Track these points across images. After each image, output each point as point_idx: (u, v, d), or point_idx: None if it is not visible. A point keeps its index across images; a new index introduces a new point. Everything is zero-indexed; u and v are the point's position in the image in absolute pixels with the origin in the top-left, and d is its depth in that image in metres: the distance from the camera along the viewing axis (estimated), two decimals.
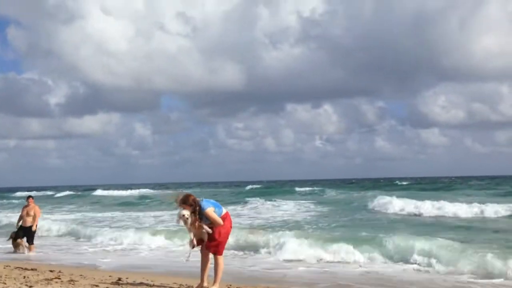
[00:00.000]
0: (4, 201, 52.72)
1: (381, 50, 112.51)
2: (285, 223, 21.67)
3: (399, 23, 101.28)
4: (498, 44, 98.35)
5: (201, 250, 7.87)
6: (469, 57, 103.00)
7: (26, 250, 14.97)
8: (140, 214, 29.75)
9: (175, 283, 8.75)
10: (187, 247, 7.94)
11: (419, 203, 26.24)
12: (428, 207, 25.24)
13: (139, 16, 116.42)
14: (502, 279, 9.68)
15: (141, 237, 16.40)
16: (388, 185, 66.71)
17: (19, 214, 15.93)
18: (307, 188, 56.93)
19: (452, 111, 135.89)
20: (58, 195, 65.99)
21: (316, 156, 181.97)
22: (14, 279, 8.96)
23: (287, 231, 15.87)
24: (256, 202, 36.39)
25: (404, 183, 72.31)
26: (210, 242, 7.70)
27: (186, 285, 8.55)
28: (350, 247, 12.55)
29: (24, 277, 9.21)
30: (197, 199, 7.65)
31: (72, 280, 8.88)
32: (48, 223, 20.65)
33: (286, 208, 31.56)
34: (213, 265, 7.88)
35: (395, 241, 12.49)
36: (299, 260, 12.37)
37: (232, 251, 13.50)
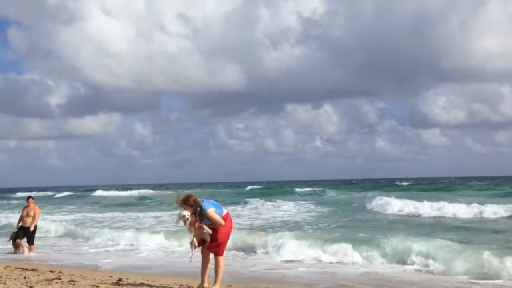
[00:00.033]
0: (4, 201, 52.73)
1: (381, 50, 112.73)
2: (285, 224, 21.69)
3: (399, 24, 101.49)
4: (498, 45, 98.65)
5: (202, 251, 7.89)
6: (469, 57, 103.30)
7: (26, 251, 14.98)
8: (140, 214, 29.78)
9: (175, 283, 8.76)
10: (189, 247, 7.94)
11: (418, 203, 26.28)
12: (427, 208, 25.28)
13: (140, 17, 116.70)
14: (502, 280, 9.69)
15: (141, 238, 16.40)
16: (388, 185, 66.72)
17: (19, 214, 15.96)
18: (307, 189, 56.94)
19: (452, 112, 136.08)
20: (58, 195, 66.00)
21: (316, 157, 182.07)
22: (15, 279, 8.98)
23: (287, 232, 15.89)
24: (256, 203, 36.42)
25: (404, 183, 72.31)
26: (211, 243, 7.72)
27: (186, 285, 8.57)
28: (349, 248, 12.56)
29: (25, 277, 9.23)
30: (198, 199, 7.67)
31: (72, 281, 8.90)
32: (47, 224, 20.66)
33: (286, 208, 31.58)
34: (213, 266, 7.90)
35: (394, 242, 12.50)
36: (299, 261, 12.39)
37: (232, 252, 13.51)
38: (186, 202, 7.58)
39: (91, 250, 15.49)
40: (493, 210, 23.40)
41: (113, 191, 69.97)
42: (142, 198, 51.00)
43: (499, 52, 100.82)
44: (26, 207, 15.52)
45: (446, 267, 10.64)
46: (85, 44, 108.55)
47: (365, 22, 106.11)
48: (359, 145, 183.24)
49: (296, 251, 12.96)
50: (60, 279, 9.11)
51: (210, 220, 7.61)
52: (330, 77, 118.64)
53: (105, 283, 8.74)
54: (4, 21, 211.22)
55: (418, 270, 10.95)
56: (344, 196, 42.28)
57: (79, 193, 69.51)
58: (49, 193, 73.57)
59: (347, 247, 12.59)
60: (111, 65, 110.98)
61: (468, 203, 25.34)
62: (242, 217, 25.69)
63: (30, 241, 15.12)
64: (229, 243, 8.11)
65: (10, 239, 15.44)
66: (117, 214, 30.45)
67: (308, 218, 24.69)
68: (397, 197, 30.45)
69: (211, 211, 7.61)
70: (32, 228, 15.13)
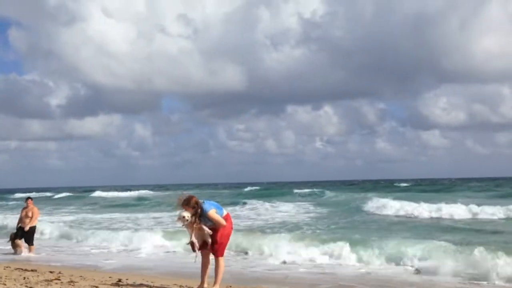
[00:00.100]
0: (3, 202, 52.73)
1: (381, 51, 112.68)
2: (284, 225, 21.72)
3: (399, 25, 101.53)
4: (499, 45, 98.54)
5: (202, 251, 7.91)
6: (469, 58, 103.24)
7: (25, 251, 14.97)
8: (140, 215, 29.77)
9: (175, 284, 8.77)
10: (189, 248, 7.96)
11: (416, 205, 26.32)
12: (425, 209, 25.31)
13: (140, 18, 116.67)
14: (501, 281, 9.71)
15: (141, 238, 16.40)
16: (388, 186, 66.75)
17: (18, 215, 15.95)
18: (306, 190, 56.98)
19: (452, 113, 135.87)
20: (57, 196, 65.96)
21: (316, 158, 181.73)
22: (14, 280, 8.98)
23: (286, 233, 15.92)
24: (255, 204, 36.45)
25: (404, 184, 72.37)
26: (211, 244, 7.75)
27: (186, 286, 8.57)
28: (348, 249, 12.58)
29: (24, 278, 9.22)
30: (200, 201, 7.70)
31: (72, 281, 8.89)
32: (43, 225, 20.58)
33: (285, 209, 31.61)
34: (213, 266, 7.92)
35: (391, 243, 12.53)
36: (298, 262, 12.39)
37: (232, 253, 13.52)
38: (188, 203, 7.60)
39: (91, 251, 15.49)
40: (491, 211, 23.43)
41: (112, 192, 69.98)
42: (141, 199, 51.01)
43: (500, 53, 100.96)
44: (25, 208, 15.51)
45: (444, 269, 10.65)
46: (85, 44, 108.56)
47: (365, 23, 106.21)
48: (359, 146, 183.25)
49: (295, 252, 12.99)
50: (59, 279, 9.11)
51: (211, 221, 7.63)
52: (331, 78, 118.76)
53: (104, 284, 8.75)
54: (4, 22, 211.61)
55: (418, 272, 10.95)
56: (343, 197, 42.31)
57: (78, 194, 69.50)
58: (48, 194, 73.57)
59: (345, 248, 12.61)
60: (112, 66, 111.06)
61: (467, 204, 25.35)
62: (241, 218, 25.70)
63: (30, 242, 15.11)
64: (229, 244, 8.12)
65: (9, 240, 15.44)
66: (116, 215, 30.44)
67: (307, 219, 24.73)
68: (396, 198, 30.49)
69: (213, 212, 7.63)
70: (26, 229, 15.08)
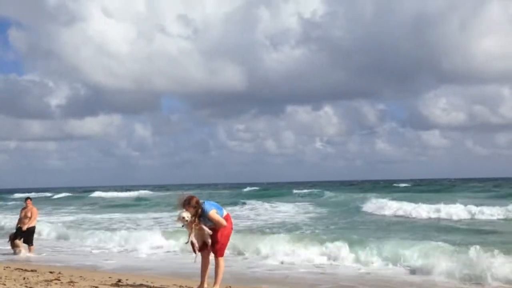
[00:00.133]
0: (2, 202, 52.73)
1: (381, 52, 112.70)
2: (283, 225, 21.74)
3: (399, 25, 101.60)
4: (499, 46, 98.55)
5: (202, 252, 7.92)
6: (469, 59, 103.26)
7: (25, 251, 14.97)
8: (139, 215, 29.78)
9: (175, 284, 8.78)
10: (190, 248, 7.97)
11: (414, 205, 26.35)
12: (424, 210, 25.34)
13: (140, 18, 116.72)
14: (501, 282, 9.71)
15: (141, 239, 16.40)
16: (388, 187, 66.72)
17: (18, 215, 15.96)
18: (305, 190, 57.00)
19: (452, 113, 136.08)
20: (56, 196, 65.93)
21: (316, 158, 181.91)
22: (14, 280, 8.98)
23: (285, 233, 15.93)
24: (254, 204, 36.46)
25: (404, 185, 72.34)
26: (212, 244, 7.76)
27: (186, 286, 8.58)
28: (347, 249, 12.59)
29: (24, 278, 9.23)
30: (200, 201, 7.71)
31: (71, 282, 8.90)
32: (41, 226, 20.56)
33: (284, 210, 31.63)
34: (213, 267, 7.93)
35: (391, 244, 12.55)
36: (297, 262, 12.40)
37: (232, 253, 13.52)
38: (189, 203, 7.61)
39: (91, 251, 15.50)
40: (490, 212, 23.44)
41: (111, 192, 69.98)
42: (140, 199, 51.05)
43: (500, 54, 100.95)
44: (24, 208, 15.51)
45: (441, 269, 10.65)
46: (85, 45, 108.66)
47: (365, 23, 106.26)
48: (359, 147, 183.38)
49: (294, 253, 13.00)
50: (59, 280, 9.12)
51: (211, 221, 7.65)
52: (330, 78, 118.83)
53: (104, 284, 8.75)
54: (4, 22, 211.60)
55: (417, 272, 10.95)
56: (343, 197, 42.31)
57: (77, 194, 69.47)
58: (48, 194, 73.52)
59: (344, 249, 12.62)
60: (112, 66, 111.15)
61: (466, 204, 25.37)
62: (240, 218, 25.71)
63: (29, 242, 15.12)
64: (228, 244, 8.14)
65: (9, 240, 15.45)
66: (116, 215, 30.44)
67: (306, 219, 24.77)
68: (396, 198, 30.51)
69: (213, 212, 7.64)
70: (24, 228, 15.08)
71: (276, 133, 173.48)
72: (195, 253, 7.83)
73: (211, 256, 7.89)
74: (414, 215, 24.85)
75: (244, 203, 37.66)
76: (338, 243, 12.89)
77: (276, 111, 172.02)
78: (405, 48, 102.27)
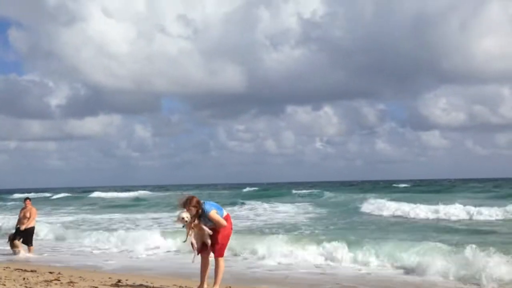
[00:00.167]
0: (1, 203, 52.71)
1: (381, 52, 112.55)
2: (282, 225, 21.75)
3: (399, 25, 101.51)
4: (499, 46, 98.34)
5: (201, 252, 7.94)
6: (469, 59, 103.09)
7: (24, 252, 14.98)
8: (139, 215, 29.79)
9: (174, 284, 8.79)
10: (189, 248, 7.99)
11: (413, 206, 26.38)
12: (423, 210, 25.36)
13: (140, 18, 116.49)
14: (500, 282, 9.73)
15: (141, 239, 16.41)
16: (387, 187, 66.74)
17: (17, 216, 15.96)
18: (305, 191, 57.02)
19: (452, 113, 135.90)
20: (55, 197, 65.91)
21: (316, 158, 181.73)
22: (14, 280, 8.98)
23: (285, 234, 15.94)
24: (253, 204, 36.47)
25: (403, 185, 72.36)
26: (212, 244, 7.78)
27: (186, 286, 8.59)
28: (347, 250, 12.60)
29: (24, 278, 9.23)
30: (201, 201, 7.74)
31: (71, 282, 8.90)
32: (39, 226, 20.53)
33: (284, 210, 31.65)
34: (213, 267, 7.95)
35: (390, 244, 12.56)
36: (297, 263, 12.41)
37: (232, 253, 13.53)
38: (190, 203, 7.62)
39: (91, 252, 15.51)
40: (488, 213, 23.46)
41: (111, 193, 69.95)
42: (140, 199, 51.04)
43: (500, 54, 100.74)
44: (24, 208, 15.51)
45: (439, 269, 10.67)
46: (85, 45, 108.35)
47: (365, 23, 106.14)
48: (359, 147, 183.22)
49: (293, 253, 13.00)
50: (59, 280, 9.12)
51: (211, 221, 7.67)
52: (330, 78, 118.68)
53: (104, 285, 8.76)
54: (4, 22, 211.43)
55: (417, 273, 10.96)
56: (342, 198, 42.35)
57: (76, 195, 69.45)
58: (47, 194, 73.50)
59: (343, 249, 12.63)
60: (112, 66, 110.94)
61: (465, 205, 25.39)
62: (239, 218, 25.74)
63: (29, 242, 15.12)
64: (228, 245, 8.15)
65: (8, 241, 15.46)
66: (115, 216, 30.46)
67: (305, 220, 24.79)
68: (395, 199, 30.53)
69: (214, 212, 7.65)
70: (22, 228, 15.08)
71: (276, 133, 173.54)
72: (195, 252, 7.84)
73: (211, 256, 7.92)
74: (412, 216, 24.89)
75: (243, 204, 37.67)
76: (336, 244, 12.90)
77: (276, 111, 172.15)
78: (405, 48, 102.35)
